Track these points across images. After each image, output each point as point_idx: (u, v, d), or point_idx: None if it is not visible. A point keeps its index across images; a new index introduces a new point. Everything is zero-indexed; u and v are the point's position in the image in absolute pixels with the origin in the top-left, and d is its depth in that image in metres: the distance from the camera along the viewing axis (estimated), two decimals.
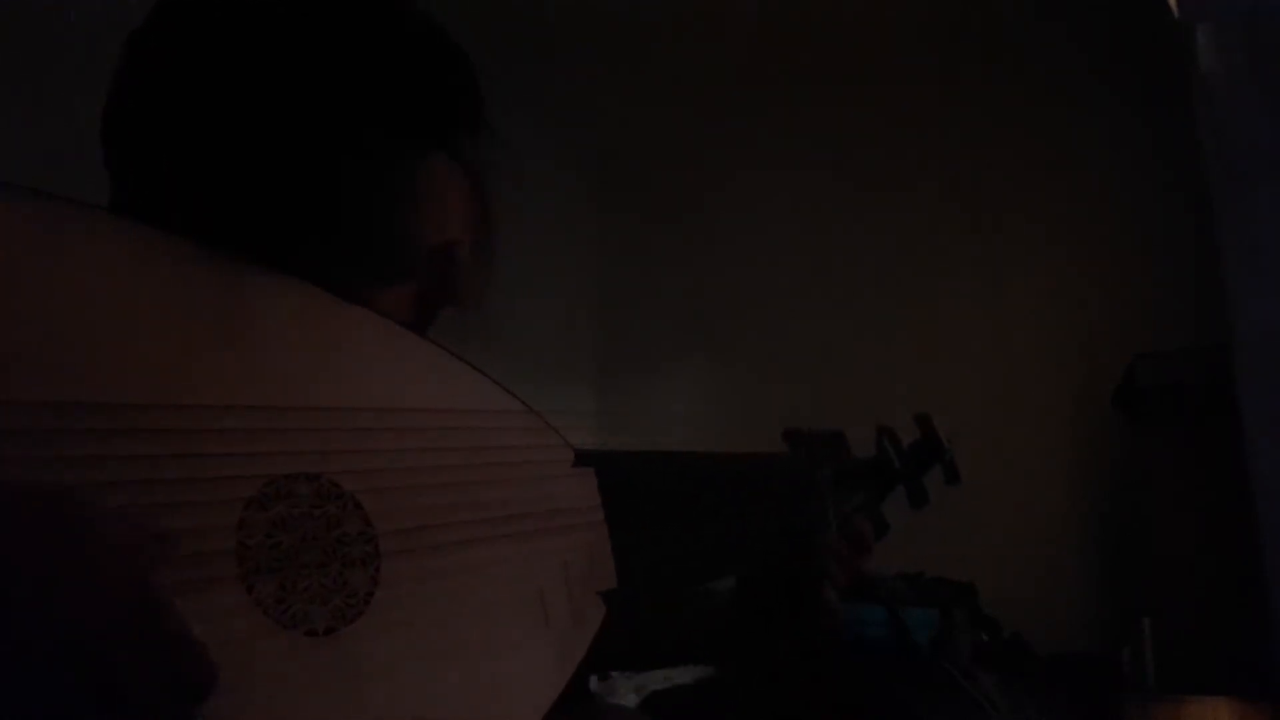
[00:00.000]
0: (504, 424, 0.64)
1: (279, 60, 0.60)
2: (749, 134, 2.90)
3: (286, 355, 0.54)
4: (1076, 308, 2.49)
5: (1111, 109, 2.48)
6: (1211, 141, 1.79)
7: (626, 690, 1.70)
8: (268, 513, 0.50)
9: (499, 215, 0.70)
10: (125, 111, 0.63)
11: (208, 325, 0.52)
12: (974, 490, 2.56)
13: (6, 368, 0.43)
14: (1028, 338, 2.54)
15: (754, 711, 0.89)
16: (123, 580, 0.41)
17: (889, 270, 2.72)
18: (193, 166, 0.60)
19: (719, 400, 2.89)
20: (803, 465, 0.90)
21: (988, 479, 2.42)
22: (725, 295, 2.89)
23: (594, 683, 1.58)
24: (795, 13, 2.65)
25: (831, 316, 2.76)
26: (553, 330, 2.66)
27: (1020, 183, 2.63)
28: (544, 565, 0.63)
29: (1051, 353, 2.50)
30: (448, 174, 0.67)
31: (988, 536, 2.27)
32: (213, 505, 0.48)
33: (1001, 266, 2.61)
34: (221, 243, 0.53)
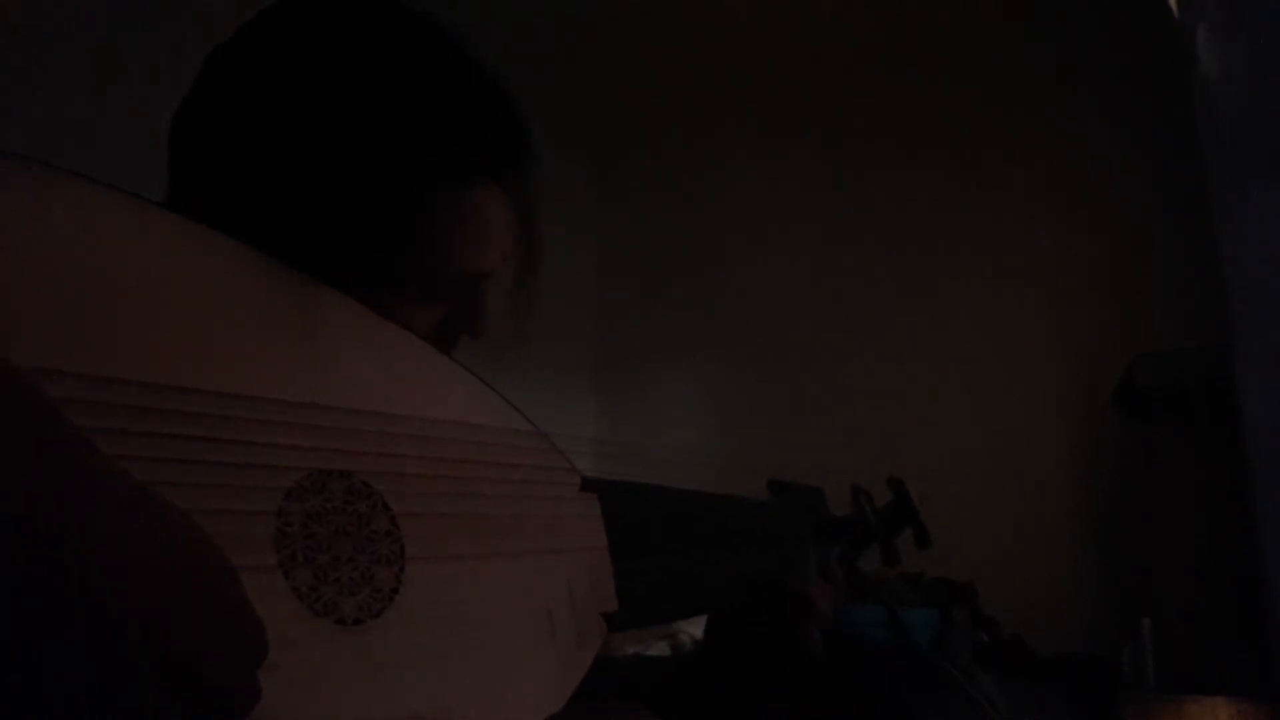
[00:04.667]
0: (519, 443, 0.66)
1: (344, 89, 0.63)
2: (749, 136, 2.90)
3: (331, 358, 0.57)
4: (1076, 308, 2.49)
5: (1111, 109, 2.48)
6: (1211, 141, 1.79)
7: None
8: (304, 504, 0.52)
9: (543, 252, 0.72)
10: (195, 121, 0.66)
11: (265, 322, 0.54)
12: (974, 490, 2.57)
13: (73, 342, 0.45)
14: (1028, 338, 2.54)
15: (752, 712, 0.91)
16: (191, 547, 0.42)
17: (888, 270, 2.73)
18: (251, 179, 0.62)
19: (716, 402, 2.89)
20: (786, 514, 0.95)
21: (988, 479, 2.44)
22: (724, 298, 2.89)
23: None
24: (795, 14, 2.65)
25: (830, 317, 2.76)
26: (551, 332, 2.66)
27: (1020, 183, 2.63)
28: (552, 582, 0.65)
29: (1051, 353, 2.50)
30: (494, 207, 0.69)
31: (988, 536, 2.27)
32: (256, 491, 0.50)
33: (1001, 266, 2.61)
34: (269, 251, 0.56)
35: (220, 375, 0.50)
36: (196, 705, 0.41)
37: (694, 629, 1.93)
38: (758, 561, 0.88)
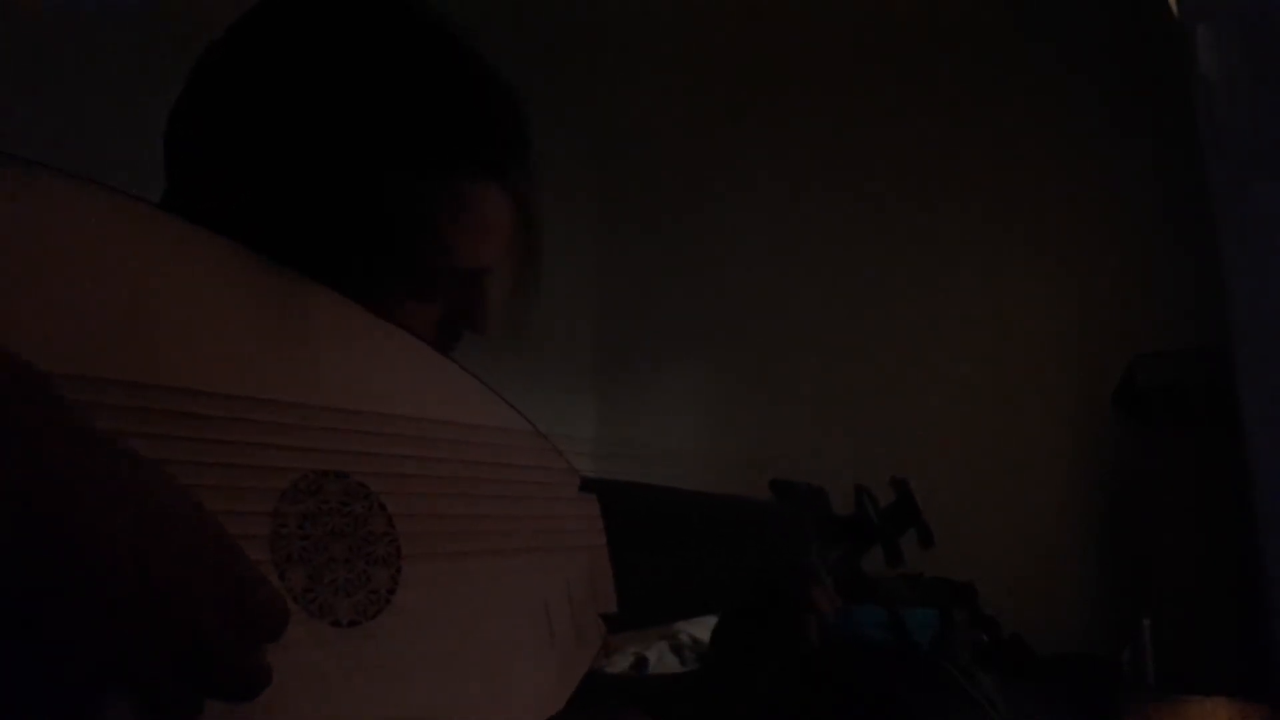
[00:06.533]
0: (516, 443, 0.66)
1: (340, 84, 0.63)
2: (749, 136, 2.90)
3: (325, 358, 0.56)
4: (1076, 308, 2.49)
5: (1111, 109, 2.48)
6: (1211, 141, 1.79)
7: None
8: (299, 506, 0.52)
9: (544, 249, 0.72)
10: (191, 119, 0.65)
11: (259, 323, 0.54)
12: (974, 490, 2.57)
13: (64, 344, 0.44)
14: (1028, 338, 2.54)
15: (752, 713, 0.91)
16: (196, 525, 0.42)
17: (889, 271, 2.73)
18: (248, 176, 0.62)
19: (717, 403, 2.89)
20: (789, 514, 0.94)
21: (988, 479, 2.44)
22: (724, 299, 2.89)
23: None
24: (796, 15, 2.65)
25: (831, 318, 2.76)
26: (552, 334, 2.66)
27: (1020, 183, 2.63)
28: (550, 582, 0.65)
29: (1051, 353, 2.50)
30: (493, 203, 0.68)
31: (988, 536, 2.27)
32: (251, 492, 0.50)
33: (1002, 266, 2.61)
34: (265, 249, 0.55)
35: (214, 376, 0.50)
36: (208, 683, 0.41)
37: (693, 629, 1.93)
38: (759, 562, 0.88)
